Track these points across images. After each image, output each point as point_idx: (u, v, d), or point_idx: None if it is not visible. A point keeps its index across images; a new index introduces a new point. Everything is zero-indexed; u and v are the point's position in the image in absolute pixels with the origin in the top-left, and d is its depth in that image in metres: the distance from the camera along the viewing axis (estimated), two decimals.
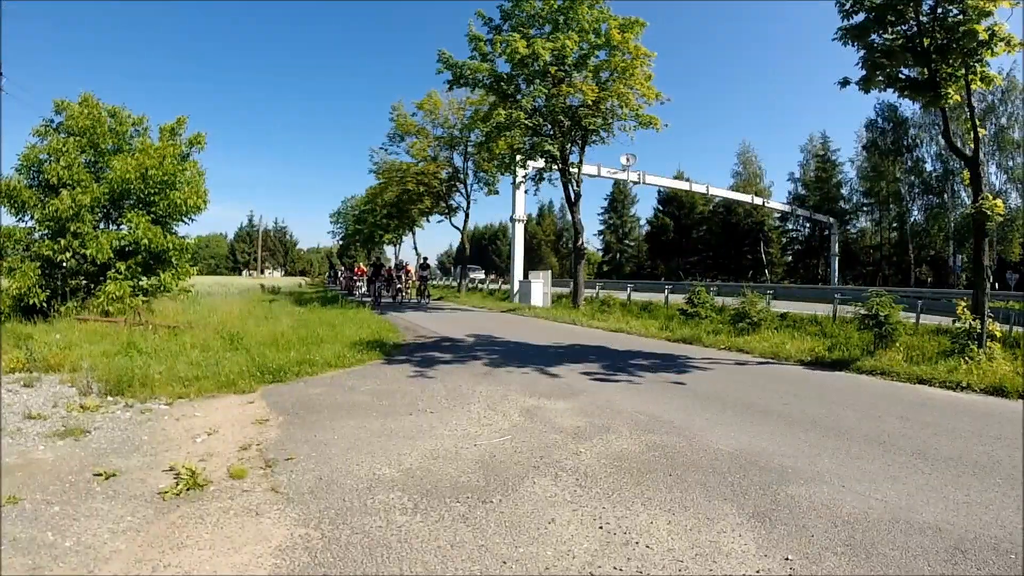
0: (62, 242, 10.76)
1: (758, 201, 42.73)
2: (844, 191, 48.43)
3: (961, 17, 8.06)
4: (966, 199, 35.09)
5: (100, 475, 3.32)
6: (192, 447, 3.96)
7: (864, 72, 8.98)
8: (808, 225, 49.59)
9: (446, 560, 2.44)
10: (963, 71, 8.31)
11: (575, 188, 17.83)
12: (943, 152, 39.28)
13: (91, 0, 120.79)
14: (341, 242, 59.25)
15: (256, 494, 3.14)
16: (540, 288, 20.31)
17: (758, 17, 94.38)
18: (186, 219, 12.54)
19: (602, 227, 62.74)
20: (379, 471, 3.51)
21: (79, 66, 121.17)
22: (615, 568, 2.40)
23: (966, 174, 9.09)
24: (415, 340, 10.14)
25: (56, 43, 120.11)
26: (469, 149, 27.33)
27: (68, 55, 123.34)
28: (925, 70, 8.65)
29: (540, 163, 18.02)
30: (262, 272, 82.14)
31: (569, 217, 20.79)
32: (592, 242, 60.43)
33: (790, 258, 52.87)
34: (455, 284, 32.59)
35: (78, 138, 11.48)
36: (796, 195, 49.43)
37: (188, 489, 3.14)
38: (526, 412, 4.99)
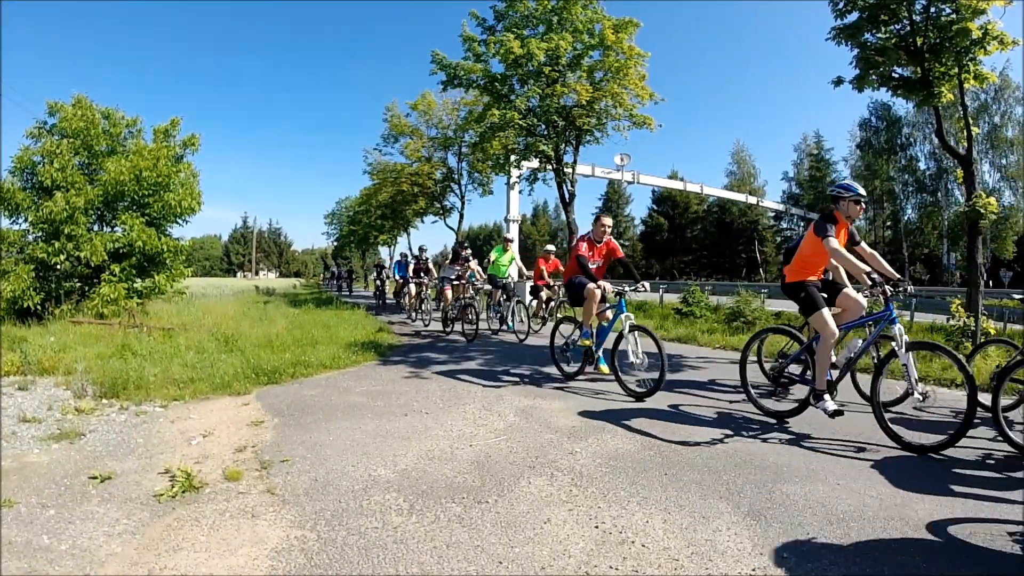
0: (56, 244, 10.73)
1: (752, 200, 42.93)
2: None
3: (954, 16, 8.09)
4: (959, 197, 35.24)
5: (95, 478, 3.31)
6: (187, 449, 3.95)
7: (858, 71, 9.01)
8: (802, 224, 49.79)
9: (442, 560, 2.45)
10: (956, 70, 8.35)
11: (569, 188, 17.81)
12: (936, 151, 39.55)
13: (85, 0, 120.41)
14: (336, 243, 59.18)
15: (252, 496, 3.14)
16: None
17: (752, 17, 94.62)
18: (180, 221, 12.58)
19: None
20: (375, 472, 3.50)
21: (72, 67, 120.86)
22: (611, 567, 2.40)
23: (959, 172, 9.13)
24: (410, 341, 10.14)
25: (49, 43, 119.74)
26: (463, 150, 27.28)
27: (61, 56, 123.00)
28: (918, 69, 8.69)
29: (534, 163, 17.98)
30: (256, 274, 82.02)
31: (563, 217, 20.80)
32: None
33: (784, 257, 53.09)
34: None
35: (72, 140, 11.45)
36: (790, 194, 49.72)
37: (184, 491, 3.14)
38: (521, 412, 4.99)
